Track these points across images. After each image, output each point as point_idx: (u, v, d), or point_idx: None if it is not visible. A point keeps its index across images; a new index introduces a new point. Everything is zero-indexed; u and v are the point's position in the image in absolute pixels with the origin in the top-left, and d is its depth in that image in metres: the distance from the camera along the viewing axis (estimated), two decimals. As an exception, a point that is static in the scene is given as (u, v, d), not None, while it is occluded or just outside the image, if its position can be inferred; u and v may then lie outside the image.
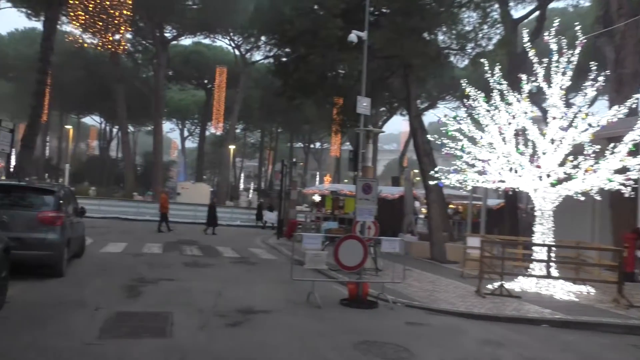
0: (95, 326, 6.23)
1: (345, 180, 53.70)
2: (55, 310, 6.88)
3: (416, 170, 28.20)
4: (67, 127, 52.61)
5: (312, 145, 65.30)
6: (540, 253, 11.36)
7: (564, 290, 10.94)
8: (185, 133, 70.37)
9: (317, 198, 31.39)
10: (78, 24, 24.02)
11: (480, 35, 17.07)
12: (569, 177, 11.20)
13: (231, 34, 42.39)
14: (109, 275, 10.08)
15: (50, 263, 9.07)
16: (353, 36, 13.18)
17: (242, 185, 68.62)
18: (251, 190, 60.09)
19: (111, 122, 54.83)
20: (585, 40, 11.38)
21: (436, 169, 13.02)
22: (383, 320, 7.94)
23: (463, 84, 12.29)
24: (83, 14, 23.51)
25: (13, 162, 18.05)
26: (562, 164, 11.26)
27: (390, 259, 11.65)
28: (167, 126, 68.45)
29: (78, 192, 33.53)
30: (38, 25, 35.63)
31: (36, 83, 18.48)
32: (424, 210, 25.54)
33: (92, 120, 64.61)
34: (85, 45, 29.23)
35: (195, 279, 10.33)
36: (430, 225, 17.24)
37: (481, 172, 12.09)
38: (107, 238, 16.83)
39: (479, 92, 12.06)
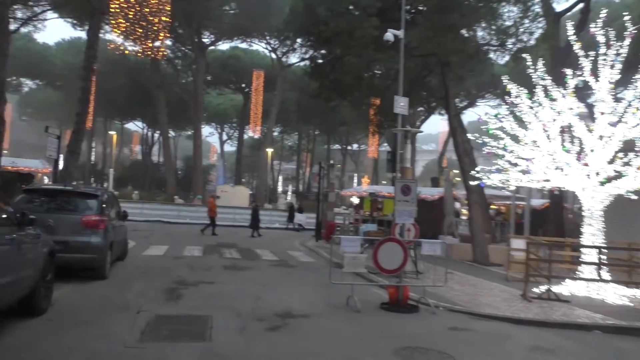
0: (136, 329, 6.28)
1: (384, 182, 53.33)
2: (98, 313, 7.00)
3: (456, 171, 27.68)
4: (111, 132, 54.31)
5: (349, 147, 65.15)
6: (589, 255, 10.87)
7: (616, 294, 10.42)
8: (224, 137, 71.52)
9: (355, 200, 31.19)
10: (119, 32, 24.67)
11: (522, 30, 16.57)
12: (619, 175, 10.67)
13: (267, 37, 42.75)
14: (150, 278, 10.22)
15: (94, 266, 9.27)
16: (389, 35, 13.03)
17: (280, 188, 69.08)
18: (289, 193, 60.41)
19: (153, 128, 56.24)
20: (634, 31, 10.83)
21: (477, 169, 12.69)
22: (425, 325, 7.73)
23: (504, 81, 11.94)
24: (124, 21, 24.10)
25: (61, 167, 18.65)
26: (611, 162, 10.74)
27: (431, 261, 11.39)
28: (207, 130, 69.78)
29: (122, 196, 34.55)
30: (83, 34, 36.85)
31: (80, 90, 19.02)
32: (464, 211, 25.01)
33: (135, 126, 66.55)
34: (126, 52, 30.03)
35: (235, 282, 10.36)
36: (471, 227, 16.83)
37: (525, 172, 11.70)
38: (149, 241, 17.16)
39: (521, 88, 11.68)
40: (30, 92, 57.47)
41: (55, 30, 66.04)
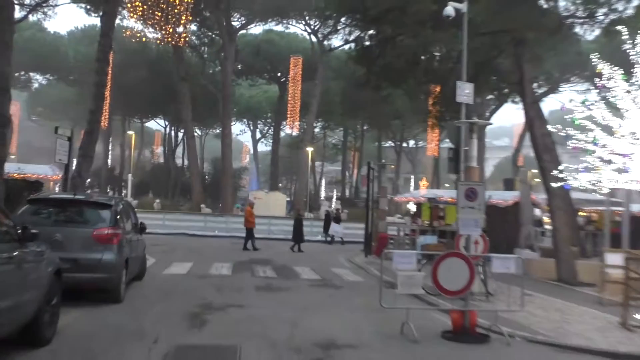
0: (152, 362, 6.33)
1: (446, 185, 52.62)
2: (109, 343, 7.11)
3: (535, 170, 26.98)
4: (130, 132, 55.82)
5: (404, 144, 64.68)
6: None
7: None
8: (257, 135, 72.43)
9: (412, 207, 30.82)
10: (136, 16, 25.34)
11: (616, -3, 15.94)
12: None
13: (306, 17, 43.06)
14: (171, 300, 10.38)
15: (107, 287, 9.46)
16: (450, 9, 12.77)
17: (323, 194, 69.35)
18: (334, 199, 60.51)
19: (176, 126, 57.55)
20: None
21: (560, 168, 12.29)
22: (497, 358, 7.52)
23: (593, 61, 11.53)
24: (141, 4, 24.72)
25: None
26: None
27: (504, 280, 11.08)
28: (237, 128, 71.01)
29: (142, 206, 35.45)
30: (98, 21, 38.17)
31: (94, 85, 19.55)
32: (546, 219, 24.30)
33: (157, 125, 68.33)
34: (144, 39, 30.79)
35: (268, 306, 10.39)
36: (555, 238, 16.30)
37: (621, 170, 11.23)
38: (171, 257, 17.50)
39: (615, 69, 11.23)
40: (41, 89, 59.99)
41: (67, 17, 68.91)
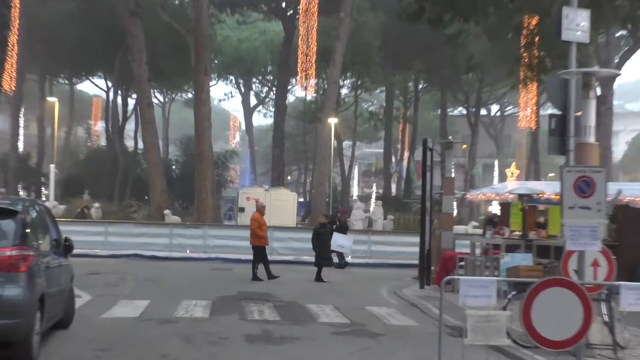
0: None
1: (550, 175, 52.30)
2: None
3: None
4: (52, 99, 55.44)
5: (483, 111, 64.36)
6: None
7: None
8: (252, 100, 72.54)
9: (494, 209, 30.62)
10: None
11: None
12: None
13: None
14: (114, 359, 10.38)
15: (10, 339, 9.38)
16: None
17: (355, 191, 69.31)
18: (373, 199, 60.47)
19: (125, 88, 57.77)
20: None
21: None
22: None
23: None
24: None
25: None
26: None
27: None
28: (220, 89, 71.31)
29: (72, 213, 35.61)
30: None
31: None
32: None
33: (94, 87, 68.37)
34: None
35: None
36: None
37: None
38: (116, 292, 17.60)
39: None
40: None
41: None
